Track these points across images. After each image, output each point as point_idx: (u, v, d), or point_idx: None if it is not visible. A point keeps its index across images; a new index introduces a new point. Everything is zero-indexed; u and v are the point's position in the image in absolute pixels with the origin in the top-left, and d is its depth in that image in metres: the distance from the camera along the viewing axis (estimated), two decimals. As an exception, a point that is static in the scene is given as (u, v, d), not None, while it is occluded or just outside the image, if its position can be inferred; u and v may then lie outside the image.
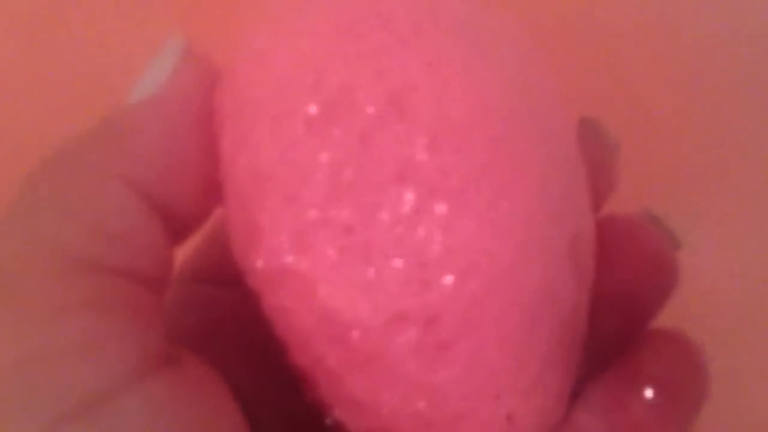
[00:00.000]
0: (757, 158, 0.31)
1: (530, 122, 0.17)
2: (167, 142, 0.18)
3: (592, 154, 0.19)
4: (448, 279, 0.16)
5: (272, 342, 0.18)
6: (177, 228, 0.18)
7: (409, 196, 0.16)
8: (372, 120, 0.16)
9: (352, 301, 0.16)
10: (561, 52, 0.19)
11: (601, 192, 0.21)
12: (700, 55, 0.31)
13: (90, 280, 0.16)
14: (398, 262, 0.16)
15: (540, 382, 0.18)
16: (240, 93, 0.18)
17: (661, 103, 0.31)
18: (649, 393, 0.18)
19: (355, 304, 0.16)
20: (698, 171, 0.31)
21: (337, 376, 0.17)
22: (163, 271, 0.18)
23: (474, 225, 0.16)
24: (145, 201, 0.17)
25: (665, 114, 0.31)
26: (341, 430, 0.18)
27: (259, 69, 0.17)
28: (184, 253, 0.20)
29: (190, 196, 0.18)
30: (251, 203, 0.17)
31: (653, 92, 0.31)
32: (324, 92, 0.16)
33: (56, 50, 0.31)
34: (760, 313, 0.29)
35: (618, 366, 0.19)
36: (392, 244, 0.16)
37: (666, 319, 0.20)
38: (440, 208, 0.16)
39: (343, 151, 0.16)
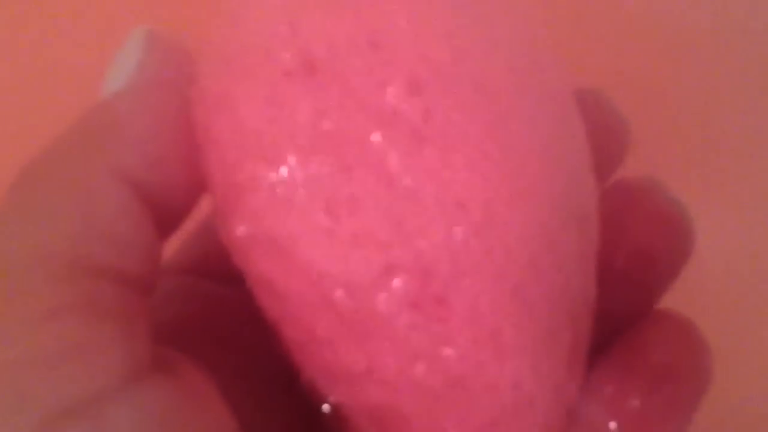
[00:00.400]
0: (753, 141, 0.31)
1: (519, 71, 0.17)
2: (152, 130, 0.17)
3: (599, 124, 0.19)
4: (439, 226, 0.15)
5: (261, 324, 0.18)
6: (166, 220, 0.18)
7: (394, 143, 0.15)
8: (351, 65, 0.16)
9: (339, 258, 0.16)
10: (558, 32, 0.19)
11: (610, 161, 0.21)
12: (700, 40, 0.31)
13: (79, 282, 0.15)
14: (385, 212, 0.15)
15: (546, 346, 0.17)
16: (215, 54, 0.17)
17: (658, 83, 0.31)
18: (650, 381, 0.18)
19: (342, 262, 0.16)
20: (695, 153, 0.31)
21: (331, 347, 0.16)
22: (152, 270, 0.17)
23: (463, 169, 0.16)
24: (136, 193, 0.17)
25: (662, 95, 0.31)
26: (338, 418, 0.18)
27: (232, 27, 0.17)
28: (170, 245, 0.20)
29: (178, 183, 0.18)
30: (231, 165, 0.16)
31: (650, 71, 0.31)
32: (299, 41, 0.16)
33: (41, 50, 0.31)
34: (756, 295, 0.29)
35: (619, 351, 0.18)
36: (378, 194, 0.15)
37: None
38: (426, 153, 0.15)
39: (324, 100, 0.16)
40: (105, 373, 0.15)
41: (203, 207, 0.19)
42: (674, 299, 0.20)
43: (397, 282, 0.15)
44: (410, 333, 0.16)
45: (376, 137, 0.16)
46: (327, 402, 0.18)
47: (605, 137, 0.20)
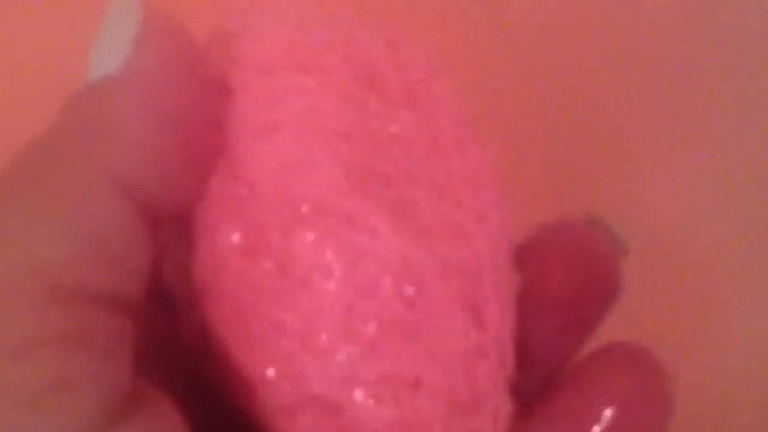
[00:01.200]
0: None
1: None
2: (154, 128, 0.15)
3: (600, 252, 0.19)
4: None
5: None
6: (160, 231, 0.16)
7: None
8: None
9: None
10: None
11: (610, 292, 0.19)
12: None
13: (65, 309, 0.14)
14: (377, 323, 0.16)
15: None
16: (243, 65, 0.17)
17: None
18: (609, 412, 0.18)
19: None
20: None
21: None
22: (144, 290, 0.15)
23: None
24: (133, 203, 0.15)
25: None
26: None
27: (268, 42, 0.17)
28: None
29: (180, 193, 0.16)
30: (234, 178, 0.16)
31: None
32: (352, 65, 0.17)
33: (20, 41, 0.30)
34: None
35: (575, 382, 0.18)
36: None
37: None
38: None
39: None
40: (80, 417, 0.14)
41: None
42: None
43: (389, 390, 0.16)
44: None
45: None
46: None
47: (606, 266, 0.19)
